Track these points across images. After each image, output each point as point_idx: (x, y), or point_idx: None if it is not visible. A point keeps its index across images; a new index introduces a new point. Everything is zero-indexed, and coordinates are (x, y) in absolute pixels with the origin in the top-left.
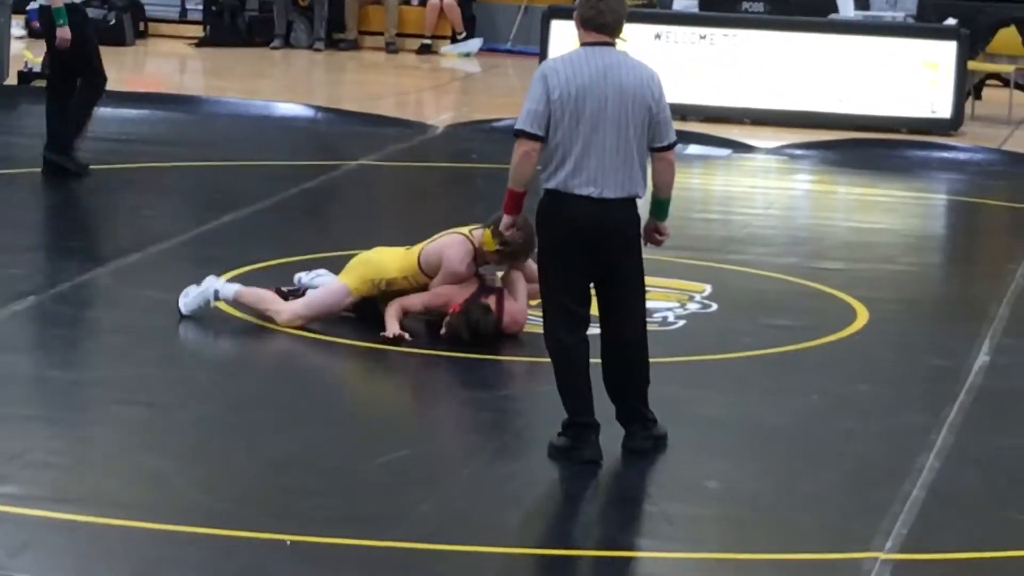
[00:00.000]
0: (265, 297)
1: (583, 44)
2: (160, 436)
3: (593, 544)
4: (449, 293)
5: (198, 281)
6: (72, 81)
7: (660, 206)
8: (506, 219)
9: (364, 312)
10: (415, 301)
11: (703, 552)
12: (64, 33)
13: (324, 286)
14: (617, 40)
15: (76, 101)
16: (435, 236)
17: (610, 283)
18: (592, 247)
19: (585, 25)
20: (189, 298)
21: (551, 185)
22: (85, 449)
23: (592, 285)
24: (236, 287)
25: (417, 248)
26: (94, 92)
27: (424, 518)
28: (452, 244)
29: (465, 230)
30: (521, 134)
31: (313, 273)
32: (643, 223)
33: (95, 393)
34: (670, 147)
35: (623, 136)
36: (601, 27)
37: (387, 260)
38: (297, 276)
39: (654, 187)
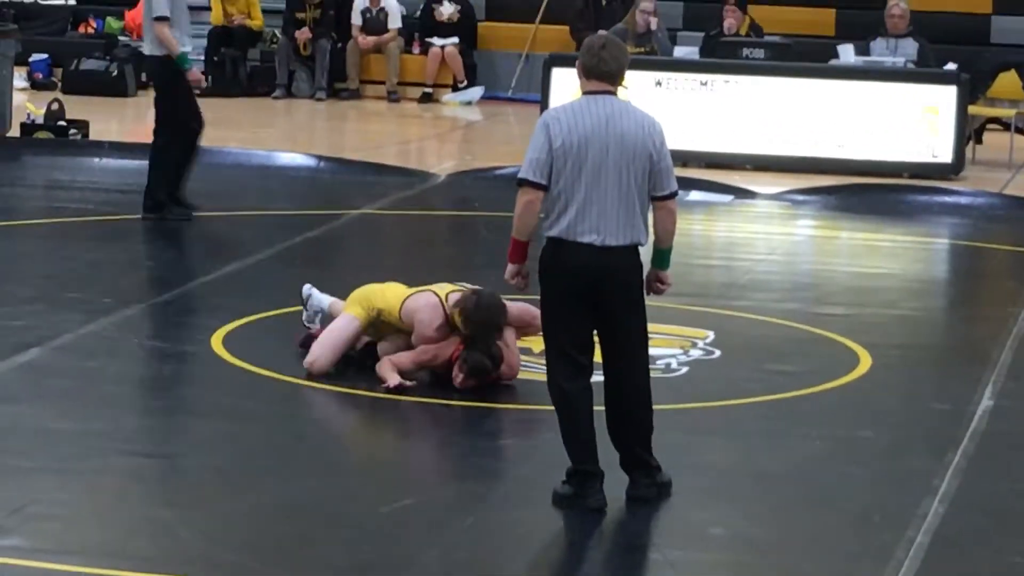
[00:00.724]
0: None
1: (585, 92)
2: (164, 486)
3: None
4: (434, 349)
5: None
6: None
7: (661, 255)
8: (511, 268)
9: (366, 358)
10: (403, 360)
11: None
12: (195, 75)
13: (333, 325)
14: (619, 88)
15: (178, 151)
16: (422, 288)
17: (612, 331)
18: (594, 295)
19: (587, 73)
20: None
21: (553, 233)
22: (89, 500)
23: (595, 332)
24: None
25: (406, 293)
26: (193, 137)
27: (428, 566)
28: (425, 308)
29: (443, 292)
30: (524, 183)
31: (307, 298)
32: (645, 271)
33: (98, 444)
34: (671, 196)
35: (625, 184)
36: (603, 75)
37: (381, 291)
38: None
39: (655, 236)
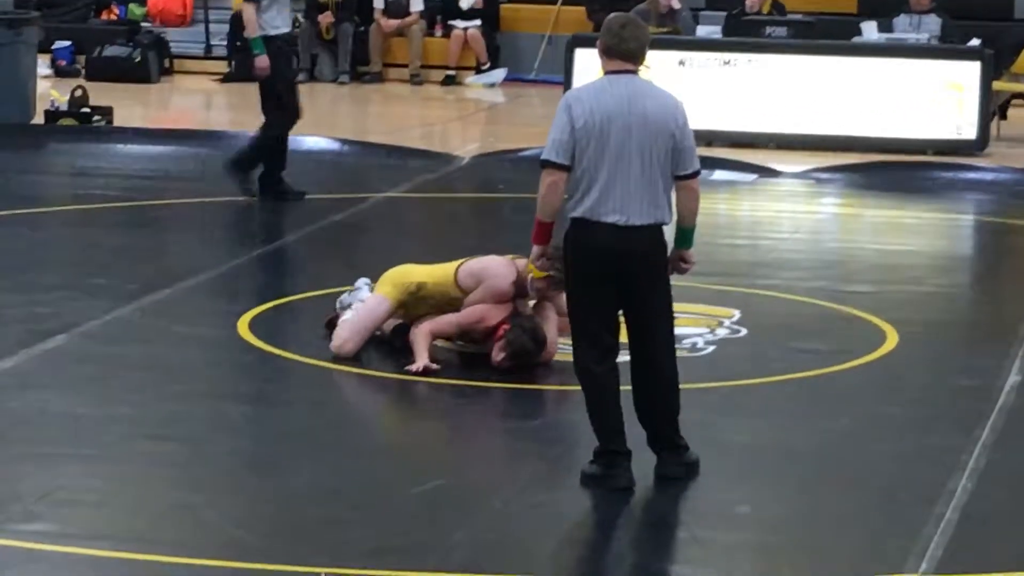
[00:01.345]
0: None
1: (607, 72)
2: (192, 471)
3: (626, 571)
4: (483, 312)
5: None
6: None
7: (685, 234)
8: (535, 250)
9: (396, 340)
10: (447, 321)
11: None
12: (261, 62)
13: (362, 304)
14: (640, 68)
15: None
16: (475, 256)
17: (638, 310)
18: (619, 274)
19: (608, 53)
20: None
21: (577, 213)
22: (117, 485)
23: (621, 312)
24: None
25: (456, 263)
26: (278, 125)
27: (458, 548)
28: (499, 264)
29: (506, 257)
30: (547, 164)
31: (354, 289)
32: (669, 251)
33: (125, 429)
34: (694, 175)
35: (647, 164)
36: (624, 55)
37: (418, 267)
38: (339, 300)
39: (678, 215)
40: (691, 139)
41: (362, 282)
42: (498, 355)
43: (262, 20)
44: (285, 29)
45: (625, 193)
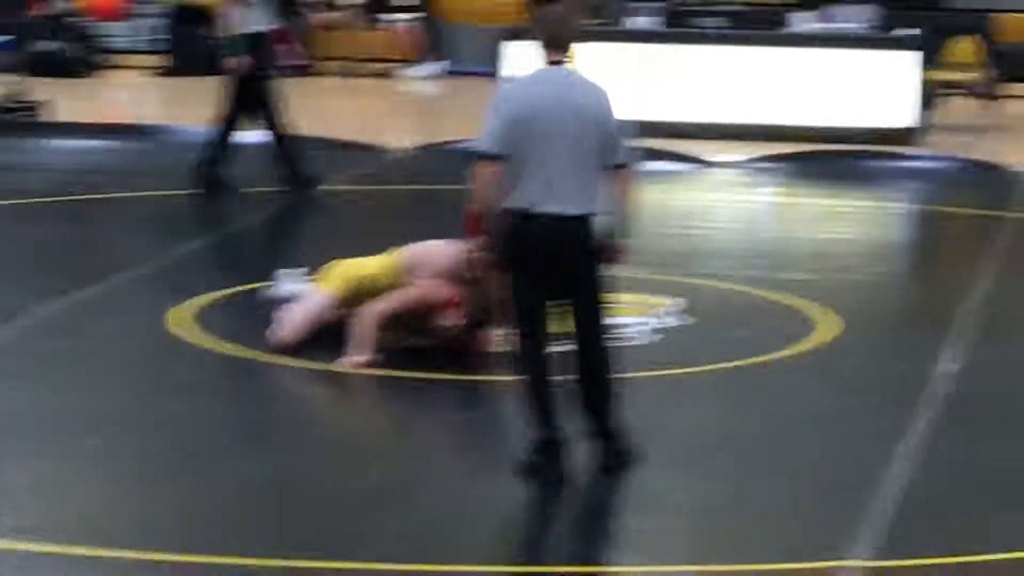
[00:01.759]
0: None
1: (542, 64)
2: (130, 466)
3: (564, 560)
4: (422, 292)
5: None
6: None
7: (619, 225)
8: (471, 242)
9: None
10: (386, 305)
11: (674, 565)
12: (243, 60)
13: (304, 298)
14: (570, 58)
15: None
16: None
17: (574, 300)
18: (553, 264)
19: (541, 43)
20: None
21: (511, 204)
22: (54, 482)
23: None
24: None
25: (396, 252)
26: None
27: (396, 538)
28: (440, 244)
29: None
30: (482, 155)
31: (275, 283)
32: (606, 241)
33: (61, 425)
34: (625, 166)
35: (580, 154)
36: (555, 44)
37: (364, 261)
38: (259, 295)
39: (613, 206)
40: (621, 129)
41: (282, 273)
42: (454, 320)
43: (247, 18)
44: (267, 27)
45: (559, 183)
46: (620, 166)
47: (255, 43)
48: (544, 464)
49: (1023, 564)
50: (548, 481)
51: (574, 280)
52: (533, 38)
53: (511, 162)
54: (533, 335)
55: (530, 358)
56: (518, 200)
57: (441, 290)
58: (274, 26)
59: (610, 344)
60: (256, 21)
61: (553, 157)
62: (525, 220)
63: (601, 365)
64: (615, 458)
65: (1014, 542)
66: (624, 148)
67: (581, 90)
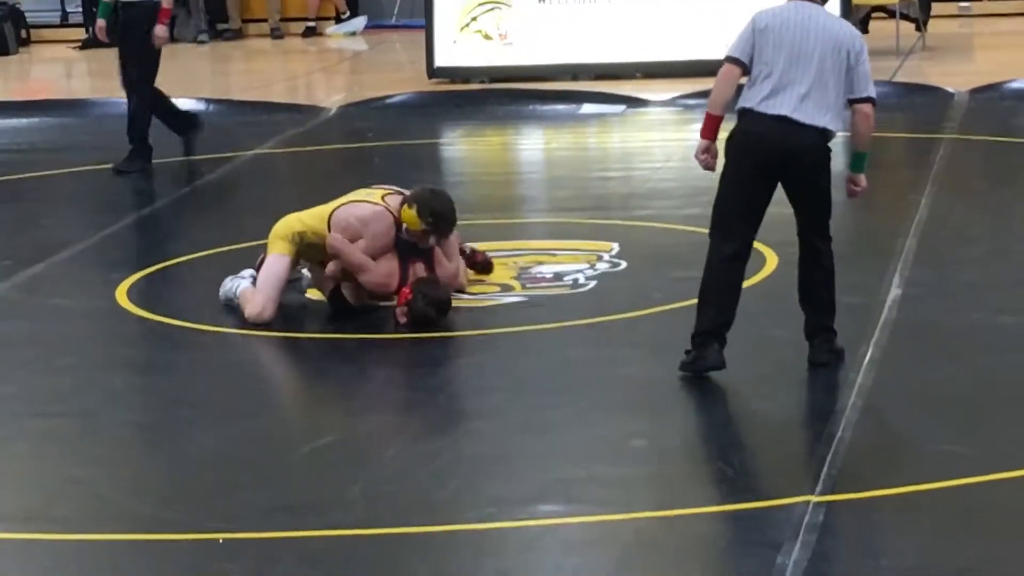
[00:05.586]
0: (244, 294)
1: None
2: (81, 445)
3: (525, 515)
4: (379, 279)
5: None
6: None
7: (856, 158)
8: (700, 143)
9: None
10: (332, 266)
11: (635, 512)
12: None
13: (264, 270)
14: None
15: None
16: (348, 199)
17: (799, 205)
18: (777, 168)
19: None
20: (226, 288)
21: (745, 104)
22: (6, 465)
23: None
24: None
25: (329, 207)
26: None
27: (354, 502)
28: (375, 218)
29: (377, 197)
30: (727, 59)
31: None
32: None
33: (12, 407)
34: (867, 100)
35: (821, 74)
36: None
37: (297, 217)
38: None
39: (852, 139)
40: (867, 66)
41: (247, 273)
42: (401, 318)
43: None
44: None
45: (796, 91)
46: (862, 100)
47: (122, 8)
48: (698, 356)
49: (969, 491)
50: (509, 432)
51: (797, 186)
52: None
53: (754, 68)
54: (729, 230)
55: (717, 252)
56: (752, 100)
57: (392, 280)
58: None
59: (832, 249)
60: None
61: (795, 66)
62: (755, 119)
63: (825, 267)
64: (830, 356)
65: (961, 470)
66: (868, 84)
67: (832, 22)
